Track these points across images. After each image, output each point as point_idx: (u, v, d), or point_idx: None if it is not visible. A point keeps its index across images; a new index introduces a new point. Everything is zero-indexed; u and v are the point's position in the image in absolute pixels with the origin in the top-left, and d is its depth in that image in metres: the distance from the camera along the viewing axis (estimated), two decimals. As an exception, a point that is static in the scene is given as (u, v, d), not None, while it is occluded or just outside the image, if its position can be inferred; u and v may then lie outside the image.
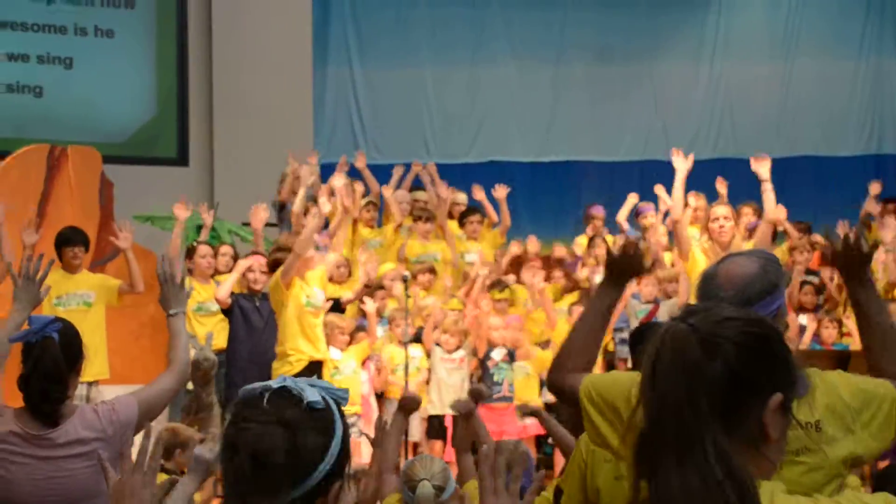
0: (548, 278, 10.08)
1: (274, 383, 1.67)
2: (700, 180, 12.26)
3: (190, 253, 8.48)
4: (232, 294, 8.11)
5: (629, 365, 5.93)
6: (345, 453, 1.66)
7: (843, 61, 12.80)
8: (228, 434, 1.64)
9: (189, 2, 12.02)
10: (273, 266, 7.59)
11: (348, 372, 8.06)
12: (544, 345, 8.92)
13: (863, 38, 12.80)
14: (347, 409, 7.96)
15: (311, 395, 1.65)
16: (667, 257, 9.43)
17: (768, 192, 7.44)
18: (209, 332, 7.92)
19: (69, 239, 7.98)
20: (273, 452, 1.59)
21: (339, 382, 7.95)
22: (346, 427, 1.70)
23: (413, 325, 8.45)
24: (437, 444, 8.35)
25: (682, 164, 7.56)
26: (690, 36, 12.86)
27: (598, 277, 9.60)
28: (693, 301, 2.55)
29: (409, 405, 4.72)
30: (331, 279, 9.04)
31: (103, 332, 8.07)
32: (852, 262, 2.82)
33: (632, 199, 9.74)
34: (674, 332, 1.53)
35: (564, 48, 12.80)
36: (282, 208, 9.94)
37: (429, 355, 8.50)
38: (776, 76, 12.84)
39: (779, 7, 12.89)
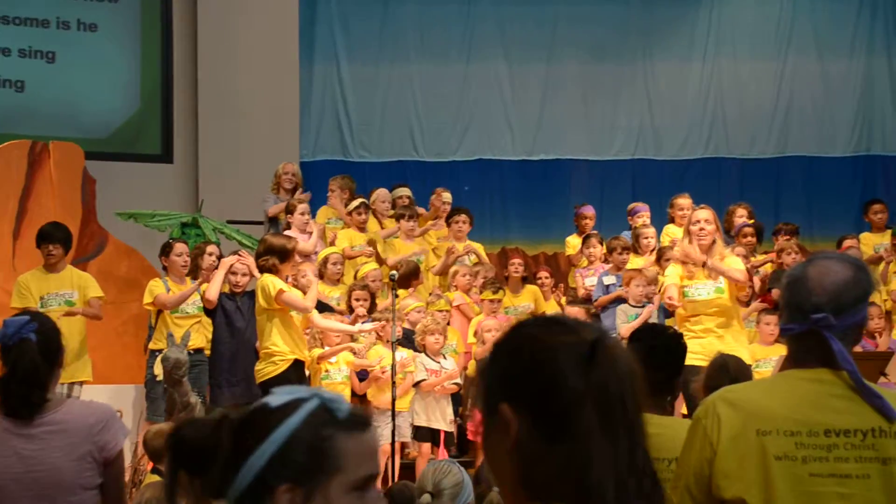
0: (534, 279, 9.99)
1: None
2: (691, 179, 12.23)
3: (166, 250, 8.31)
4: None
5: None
6: (298, 460, 1.55)
7: (835, 61, 12.74)
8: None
9: (174, -4, 11.87)
10: (261, 269, 7.45)
11: (339, 378, 7.94)
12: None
13: (854, 38, 12.75)
14: None
15: (276, 398, 1.60)
16: (642, 260, 9.33)
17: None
18: (186, 332, 7.78)
19: (48, 234, 7.83)
20: (194, 441, 1.59)
21: (328, 387, 7.84)
22: (308, 434, 1.57)
23: (399, 325, 8.32)
24: (426, 446, 8.23)
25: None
26: (682, 34, 12.77)
27: (591, 279, 9.64)
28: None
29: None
30: (322, 276, 8.92)
31: (85, 332, 7.92)
32: None
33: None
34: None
35: (555, 46, 12.69)
36: (272, 221, 9.80)
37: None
38: (768, 76, 12.77)
39: (771, 7, 12.81)
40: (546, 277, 10.01)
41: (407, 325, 8.68)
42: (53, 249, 7.82)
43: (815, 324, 2.37)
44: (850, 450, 2.32)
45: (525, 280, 9.83)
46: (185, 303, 7.99)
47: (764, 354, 8.36)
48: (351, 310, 8.61)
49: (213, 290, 7.75)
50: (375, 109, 12.66)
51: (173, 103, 11.79)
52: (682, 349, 3.55)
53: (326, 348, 7.90)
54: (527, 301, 9.70)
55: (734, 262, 7.34)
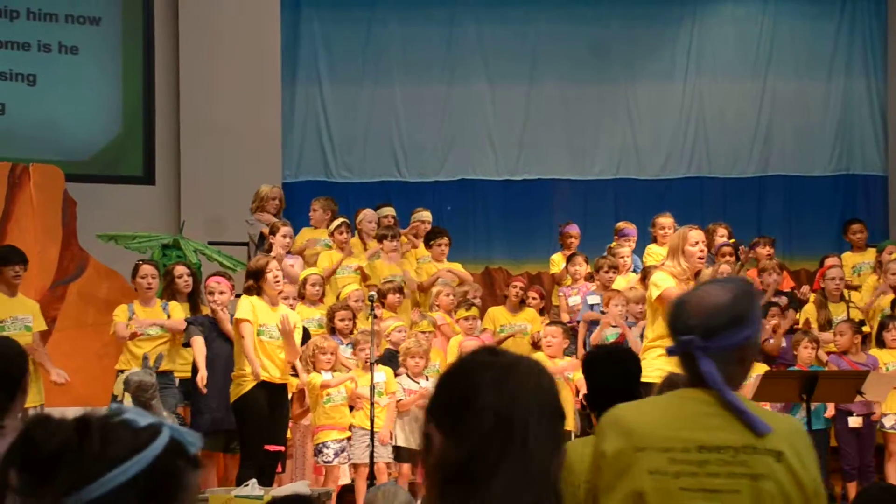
0: (523, 299, 10.01)
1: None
2: (673, 198, 12.27)
3: (133, 273, 8.30)
4: (192, 318, 7.96)
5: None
6: (154, 484, 1.57)
7: (815, 82, 12.81)
8: None
9: (156, 18, 11.86)
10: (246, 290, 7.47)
11: (339, 399, 7.93)
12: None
13: (833, 59, 12.83)
14: (338, 435, 7.90)
15: (140, 418, 1.61)
16: (632, 279, 9.35)
17: None
18: (150, 353, 7.76)
19: (7, 258, 7.81)
20: (49, 442, 1.56)
21: (329, 410, 7.86)
22: (168, 462, 1.59)
23: (379, 347, 8.31)
24: (406, 466, 8.21)
25: None
26: (663, 55, 12.84)
27: (574, 299, 9.67)
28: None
29: None
30: (303, 297, 8.92)
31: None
32: None
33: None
34: None
35: (537, 66, 12.74)
36: (261, 238, 9.79)
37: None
38: (749, 96, 12.83)
39: (751, 28, 12.89)
40: (534, 298, 10.04)
41: (389, 346, 8.69)
42: (21, 271, 7.82)
43: (685, 345, 2.47)
44: (722, 466, 2.39)
45: (523, 302, 9.88)
46: (146, 325, 8.00)
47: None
48: (333, 330, 8.61)
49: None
50: (358, 130, 12.68)
51: (155, 125, 11.79)
52: (637, 370, 3.68)
53: (323, 373, 7.90)
54: (524, 321, 9.72)
55: None
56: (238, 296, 7.83)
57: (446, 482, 1.62)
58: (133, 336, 7.96)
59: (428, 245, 10.30)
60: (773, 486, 2.37)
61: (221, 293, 7.84)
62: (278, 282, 7.44)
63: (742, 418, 2.41)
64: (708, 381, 2.45)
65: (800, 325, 9.44)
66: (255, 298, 7.38)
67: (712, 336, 2.45)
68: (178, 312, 8.20)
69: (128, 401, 7.26)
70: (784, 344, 9.20)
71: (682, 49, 12.81)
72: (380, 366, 8.12)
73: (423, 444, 1.67)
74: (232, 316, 7.54)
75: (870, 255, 10.44)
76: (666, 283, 7.06)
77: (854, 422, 8.55)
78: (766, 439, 2.39)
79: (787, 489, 2.37)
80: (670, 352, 2.55)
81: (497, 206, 12.71)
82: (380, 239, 9.97)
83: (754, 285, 2.72)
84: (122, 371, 7.80)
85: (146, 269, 8.26)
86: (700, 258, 7.13)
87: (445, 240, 10.26)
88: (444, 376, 1.73)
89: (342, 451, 7.96)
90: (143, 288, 8.17)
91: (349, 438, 8.00)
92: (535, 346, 9.30)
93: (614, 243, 10.17)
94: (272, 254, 8.55)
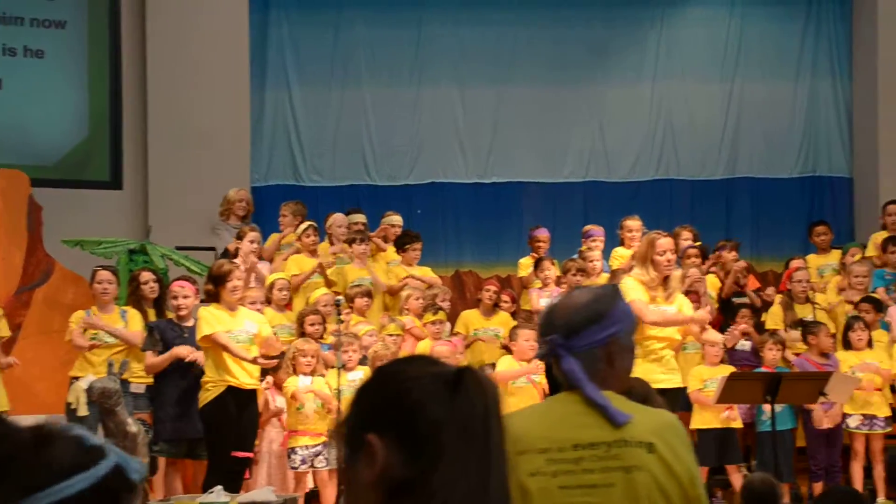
0: (496, 303, 10.02)
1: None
2: (642, 201, 12.31)
3: (91, 278, 8.24)
4: (155, 323, 7.88)
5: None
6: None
7: (782, 84, 12.88)
8: None
9: (122, 22, 11.78)
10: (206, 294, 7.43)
11: (314, 407, 7.91)
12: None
13: (800, 61, 12.90)
14: (309, 441, 7.88)
15: (90, 437, 1.60)
16: (602, 281, 9.38)
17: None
18: (112, 359, 7.69)
19: None
20: (2, 444, 1.56)
21: (304, 417, 7.84)
22: (113, 483, 1.59)
23: (348, 350, 8.28)
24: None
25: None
26: (631, 58, 12.87)
27: (545, 300, 9.68)
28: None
29: None
30: (269, 301, 8.88)
31: None
32: None
33: None
34: None
35: (506, 70, 12.74)
36: (225, 254, 9.75)
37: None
38: (716, 98, 12.88)
39: (718, 30, 12.94)
40: (506, 302, 10.06)
41: (360, 350, 8.66)
42: None
43: (550, 346, 2.55)
44: (596, 461, 2.47)
45: (497, 306, 9.89)
46: (102, 332, 7.94)
47: (710, 374, 8.44)
48: (303, 335, 8.59)
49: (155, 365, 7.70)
50: (327, 134, 12.65)
51: (122, 129, 11.71)
52: None
53: (301, 378, 7.88)
54: (497, 325, 9.73)
55: (685, 307, 7.45)
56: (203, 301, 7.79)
57: (393, 497, 1.59)
58: (92, 347, 7.91)
59: (402, 249, 10.29)
60: (646, 476, 2.44)
61: (185, 297, 7.78)
62: (236, 290, 7.40)
63: (602, 412, 2.48)
64: (570, 379, 2.52)
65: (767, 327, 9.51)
66: (212, 308, 7.34)
67: (574, 335, 2.52)
68: (137, 320, 8.13)
69: (83, 408, 7.22)
70: (749, 346, 9.27)
71: (650, 52, 12.85)
72: (359, 366, 8.15)
73: (357, 454, 1.61)
74: (196, 321, 7.47)
75: (834, 257, 10.53)
76: (635, 293, 7.11)
77: (825, 421, 8.61)
78: (637, 432, 2.47)
79: (661, 479, 2.44)
80: (539, 356, 2.64)
81: (467, 210, 12.71)
82: (350, 243, 9.95)
83: (619, 287, 2.77)
84: (76, 378, 7.73)
85: (102, 274, 8.20)
86: (667, 266, 7.19)
87: (419, 245, 10.28)
88: (381, 385, 1.66)
89: (316, 457, 7.94)
90: (97, 293, 8.11)
91: (325, 444, 7.95)
92: (507, 348, 9.31)
93: (584, 247, 10.19)
94: (239, 261, 8.51)
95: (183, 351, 7.45)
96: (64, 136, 11.62)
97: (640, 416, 2.52)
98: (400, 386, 1.63)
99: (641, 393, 4.22)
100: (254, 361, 7.28)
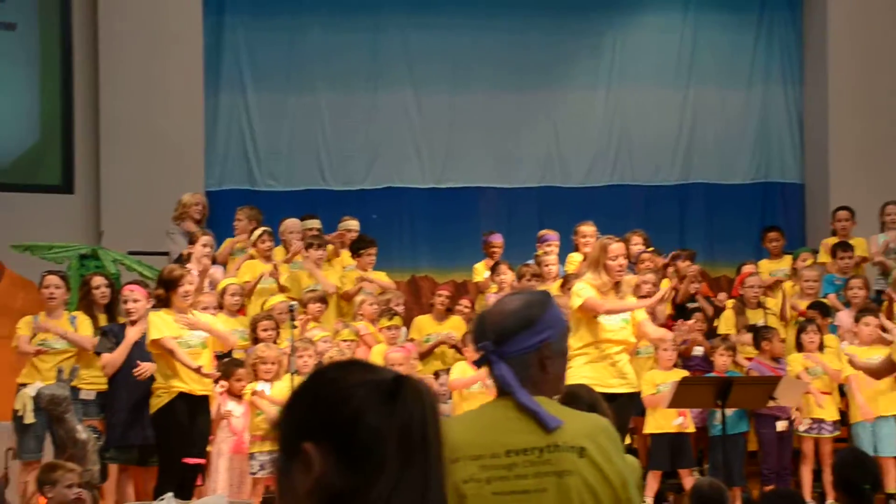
0: (450, 308, 10.03)
1: None
2: (597, 206, 12.38)
3: (39, 284, 8.16)
4: (108, 326, 7.82)
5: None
6: None
7: (734, 90, 13.01)
8: None
9: (74, 24, 11.66)
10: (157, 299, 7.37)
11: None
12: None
13: (752, 67, 13.04)
14: (270, 446, 7.82)
15: None
16: (554, 288, 9.42)
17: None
18: (61, 366, 7.61)
19: None
20: None
21: (260, 422, 7.82)
22: None
23: (303, 356, 8.24)
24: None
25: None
26: (586, 64, 12.93)
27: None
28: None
29: None
30: (221, 307, 8.82)
31: None
32: None
33: None
34: None
35: (462, 75, 12.76)
36: (179, 259, 9.68)
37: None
38: (670, 105, 12.98)
39: (671, 37, 13.04)
40: (467, 307, 10.09)
41: (315, 356, 8.62)
42: None
43: (484, 352, 2.57)
44: (529, 466, 2.48)
45: (449, 311, 9.91)
46: (48, 337, 7.85)
47: (663, 379, 8.50)
48: (255, 341, 8.54)
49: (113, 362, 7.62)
50: (283, 138, 12.59)
51: (74, 132, 11.58)
52: None
53: (260, 384, 7.85)
54: (450, 330, 9.74)
55: (637, 312, 7.50)
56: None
57: None
58: (38, 353, 7.82)
59: (357, 254, 10.27)
60: (578, 480, 2.46)
61: (136, 301, 7.71)
62: (187, 296, 7.36)
63: (534, 418, 2.49)
64: (502, 385, 2.53)
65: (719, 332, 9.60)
66: (162, 313, 7.29)
67: (505, 341, 2.54)
68: (87, 325, 8.05)
69: (30, 416, 7.14)
70: (701, 352, 9.35)
71: (605, 58, 12.93)
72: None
73: (292, 461, 1.58)
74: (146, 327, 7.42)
75: (786, 263, 10.64)
76: (587, 292, 7.15)
77: (781, 426, 8.70)
78: (568, 437, 2.48)
79: (592, 483, 2.46)
80: (476, 363, 2.63)
81: (423, 215, 12.71)
82: (307, 247, 9.91)
83: (550, 294, 2.81)
84: (23, 385, 7.64)
85: (50, 279, 8.12)
86: (619, 271, 7.25)
87: (374, 249, 10.27)
88: (318, 391, 1.61)
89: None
90: (45, 299, 8.02)
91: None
92: (461, 352, 9.32)
93: (540, 252, 10.23)
94: (192, 265, 8.46)
95: (135, 335, 7.41)
96: (14, 140, 11.48)
97: (572, 421, 2.53)
98: (338, 394, 1.59)
99: (588, 400, 4.25)
100: (197, 371, 7.22)
